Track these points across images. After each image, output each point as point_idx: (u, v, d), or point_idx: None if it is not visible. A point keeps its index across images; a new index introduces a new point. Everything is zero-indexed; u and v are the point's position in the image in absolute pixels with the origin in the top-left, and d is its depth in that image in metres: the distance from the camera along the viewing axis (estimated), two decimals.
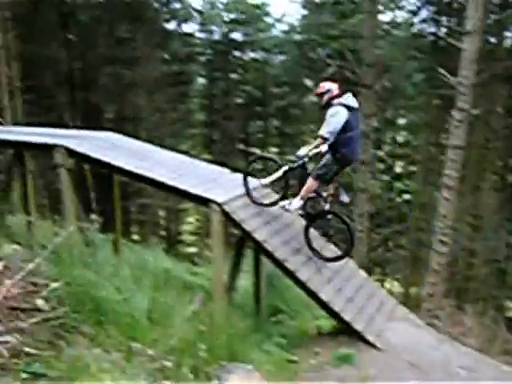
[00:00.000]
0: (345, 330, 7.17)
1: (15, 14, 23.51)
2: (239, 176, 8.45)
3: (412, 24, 25.25)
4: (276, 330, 8.02)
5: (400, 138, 30.96)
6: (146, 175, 8.12)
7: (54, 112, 24.43)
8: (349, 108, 7.05)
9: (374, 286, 8.76)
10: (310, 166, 7.69)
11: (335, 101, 7.14)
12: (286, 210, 7.84)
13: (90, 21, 27.67)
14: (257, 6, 32.78)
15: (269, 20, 34.20)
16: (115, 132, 11.61)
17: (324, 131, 7.01)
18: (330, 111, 7.06)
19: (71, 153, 8.76)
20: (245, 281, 9.64)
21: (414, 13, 24.41)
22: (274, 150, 35.20)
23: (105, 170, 9.50)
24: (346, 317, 7.09)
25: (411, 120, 29.32)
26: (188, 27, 34.30)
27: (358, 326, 7.04)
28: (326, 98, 7.26)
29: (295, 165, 7.72)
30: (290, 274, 7.38)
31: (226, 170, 9.31)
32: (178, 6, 32.59)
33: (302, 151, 7.42)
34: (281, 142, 34.77)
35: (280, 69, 34.32)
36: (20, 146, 10.06)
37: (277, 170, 7.96)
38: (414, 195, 26.55)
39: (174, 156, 9.86)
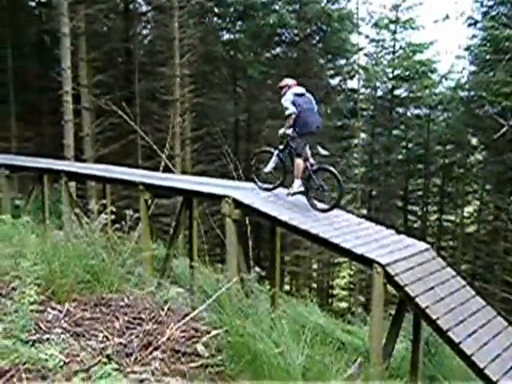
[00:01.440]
0: None
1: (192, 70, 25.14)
2: (403, 237, 8.29)
3: None
4: None
5: None
6: (310, 232, 8.15)
7: (219, 161, 25.56)
8: (296, 94, 9.38)
9: None
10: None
11: (288, 90, 9.50)
12: (293, 194, 9.63)
13: (259, 75, 28.87)
14: (422, 63, 32.29)
15: (434, 76, 33.54)
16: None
17: (286, 111, 9.35)
18: (283, 97, 9.48)
19: (238, 204, 9.07)
20: (400, 344, 9.26)
21: None
22: (434, 208, 34.06)
23: (266, 221, 9.70)
24: None
25: None
26: (352, 83, 34.57)
27: None
28: (284, 90, 9.64)
29: (281, 146, 9.85)
30: (454, 345, 6.96)
31: (390, 231, 9.11)
32: (342, 62, 33.12)
33: (280, 131, 9.68)
34: (441, 201, 33.55)
35: (444, 126, 33.42)
36: (190, 194, 10.64)
37: (271, 156, 9.97)
38: None
39: (337, 213, 9.84)
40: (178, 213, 11.98)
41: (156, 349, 4.13)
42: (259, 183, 10.30)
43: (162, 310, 4.97)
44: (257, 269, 5.38)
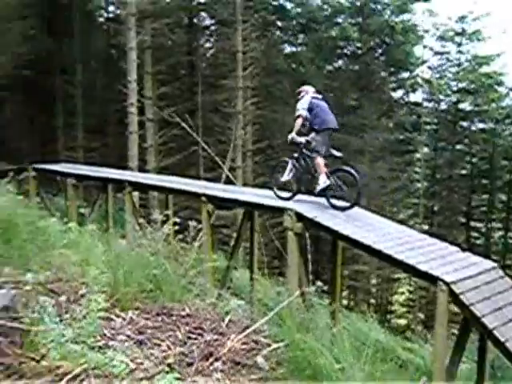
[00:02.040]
0: None
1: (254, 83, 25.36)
2: (469, 255, 8.08)
3: None
4: None
5: None
6: (374, 247, 8.05)
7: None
8: (314, 97, 9.92)
9: None
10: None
11: (306, 95, 10.03)
12: (322, 190, 9.67)
13: (322, 88, 28.83)
14: (488, 75, 31.46)
15: (501, 89, 32.63)
16: (334, 197, 11.79)
17: (296, 113, 9.93)
18: (299, 101, 10.03)
19: (300, 217, 9.06)
20: (463, 365, 8.98)
21: None
22: (499, 225, 33.08)
23: (326, 234, 9.64)
24: None
25: None
26: (415, 96, 34.06)
27: None
28: (302, 94, 10.14)
29: (296, 154, 10.23)
30: None
31: (455, 248, 8.90)
32: (405, 75, 32.72)
33: (289, 137, 10.19)
34: (507, 218, 32.53)
35: (510, 140, 32.48)
36: (252, 206, 10.71)
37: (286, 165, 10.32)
38: None
39: (401, 229, 9.67)
40: (239, 225, 12.04)
41: (217, 360, 4.15)
42: (277, 192, 10.47)
43: (223, 321, 5.01)
44: (318, 283, 5.35)
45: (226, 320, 5.05)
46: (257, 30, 26.61)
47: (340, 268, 10.08)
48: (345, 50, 31.56)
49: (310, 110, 9.80)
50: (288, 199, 10.20)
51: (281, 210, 9.38)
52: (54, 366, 2.85)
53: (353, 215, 9.78)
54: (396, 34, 28.54)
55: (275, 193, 10.52)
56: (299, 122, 9.91)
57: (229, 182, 22.07)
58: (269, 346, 4.58)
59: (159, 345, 4.22)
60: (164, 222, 6.32)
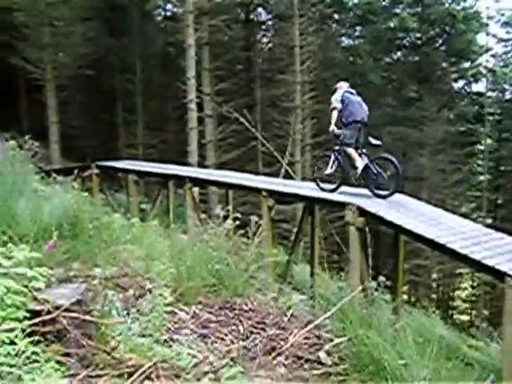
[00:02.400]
0: None
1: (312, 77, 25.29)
2: None
3: None
4: None
5: None
6: (438, 241, 7.90)
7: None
8: (347, 91, 10.34)
9: None
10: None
11: (339, 90, 10.48)
12: (361, 173, 9.99)
13: (380, 81, 28.47)
14: None
15: None
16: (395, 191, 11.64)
17: (331, 106, 10.39)
18: (334, 95, 10.47)
19: (362, 211, 8.99)
20: None
21: None
22: None
23: (386, 229, 9.51)
24: None
25: None
26: (477, 86, 33.17)
27: None
28: (337, 90, 10.54)
29: (336, 147, 10.49)
30: None
31: None
32: (467, 64, 31.88)
33: (330, 129, 10.52)
34: None
35: None
36: (313, 201, 10.68)
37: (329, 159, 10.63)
38: None
39: (465, 223, 9.45)
40: (299, 219, 12.03)
41: (279, 354, 4.17)
42: (321, 185, 10.78)
43: (285, 315, 5.02)
44: (381, 278, 5.30)
45: (288, 315, 5.07)
46: (314, 24, 26.50)
47: (402, 263, 9.93)
48: (404, 41, 31.00)
49: (341, 102, 10.27)
50: (332, 191, 10.48)
51: (342, 205, 9.31)
52: (123, 359, 2.93)
53: (414, 209, 9.64)
54: (457, 22, 27.84)
55: (318, 185, 10.84)
56: (335, 114, 10.34)
57: (288, 176, 22.07)
58: (331, 341, 4.57)
59: (222, 339, 4.28)
60: (225, 218, 6.38)
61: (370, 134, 10.46)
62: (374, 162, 9.97)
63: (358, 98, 10.35)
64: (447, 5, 28.51)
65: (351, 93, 10.44)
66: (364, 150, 10.23)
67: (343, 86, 10.60)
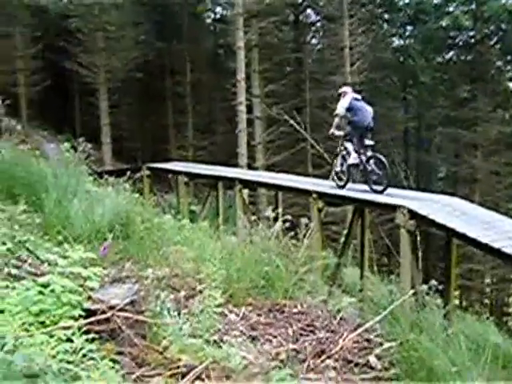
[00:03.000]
0: None
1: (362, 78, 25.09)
2: None
3: None
4: None
5: None
6: (493, 246, 7.69)
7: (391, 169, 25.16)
8: (354, 98, 10.97)
9: None
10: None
11: (347, 95, 11.14)
12: (349, 166, 11.07)
13: (431, 81, 28.03)
14: None
15: None
16: (447, 193, 11.49)
17: (335, 112, 11.35)
18: (341, 101, 11.20)
19: (413, 214, 8.86)
20: None
21: None
22: None
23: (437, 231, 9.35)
24: None
25: None
26: None
27: None
28: (343, 95, 11.25)
29: (339, 148, 11.66)
30: None
31: None
32: None
33: (329, 132, 11.68)
34: None
35: None
36: (363, 204, 10.62)
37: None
38: None
39: None
40: (349, 222, 11.97)
41: (329, 357, 4.15)
42: (337, 182, 11.62)
43: (335, 318, 4.99)
44: (432, 282, 5.21)
45: (338, 318, 5.03)
46: (363, 24, 26.23)
47: (455, 267, 9.74)
48: (456, 40, 30.37)
49: (349, 109, 10.96)
50: (341, 187, 11.34)
51: (393, 208, 9.21)
52: (175, 358, 2.97)
53: (468, 212, 9.45)
54: None
55: (334, 180, 11.72)
56: (337, 120, 11.43)
57: None
58: (381, 345, 4.51)
59: (271, 341, 4.28)
60: (275, 219, 6.38)
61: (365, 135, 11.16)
62: (369, 160, 10.74)
63: (365, 104, 11.03)
64: (503, 0, 27.69)
65: (357, 99, 11.13)
66: (362, 151, 10.93)
67: (348, 92, 11.33)
